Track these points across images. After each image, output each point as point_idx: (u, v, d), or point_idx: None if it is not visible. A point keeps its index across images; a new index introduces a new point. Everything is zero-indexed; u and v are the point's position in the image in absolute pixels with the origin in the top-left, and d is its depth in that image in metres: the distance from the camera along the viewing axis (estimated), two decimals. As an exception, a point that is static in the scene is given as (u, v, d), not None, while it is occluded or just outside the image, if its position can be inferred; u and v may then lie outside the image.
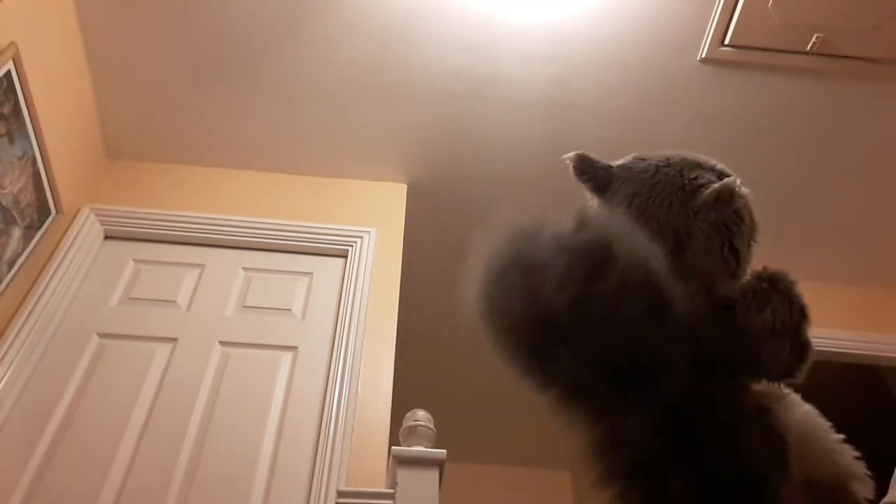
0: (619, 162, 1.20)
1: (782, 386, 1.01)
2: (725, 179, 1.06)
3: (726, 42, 2.52)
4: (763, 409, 0.95)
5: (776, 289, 0.98)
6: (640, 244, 0.92)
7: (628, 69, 2.62)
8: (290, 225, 2.76)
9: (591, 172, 1.22)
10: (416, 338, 3.32)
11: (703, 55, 2.57)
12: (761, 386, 1.00)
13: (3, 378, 2.13)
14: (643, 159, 1.17)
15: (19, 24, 2.19)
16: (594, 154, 1.25)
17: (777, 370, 0.98)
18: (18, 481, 2.00)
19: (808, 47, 2.51)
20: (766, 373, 0.99)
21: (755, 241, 1.12)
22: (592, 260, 0.88)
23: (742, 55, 2.55)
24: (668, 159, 1.14)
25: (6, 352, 2.17)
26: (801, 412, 0.99)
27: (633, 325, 0.87)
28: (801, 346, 0.97)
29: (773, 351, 0.97)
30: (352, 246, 2.73)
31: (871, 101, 2.67)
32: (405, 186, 2.98)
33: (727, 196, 1.04)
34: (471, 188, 3.00)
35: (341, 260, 2.71)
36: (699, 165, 1.12)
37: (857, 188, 2.93)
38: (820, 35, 2.47)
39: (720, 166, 1.13)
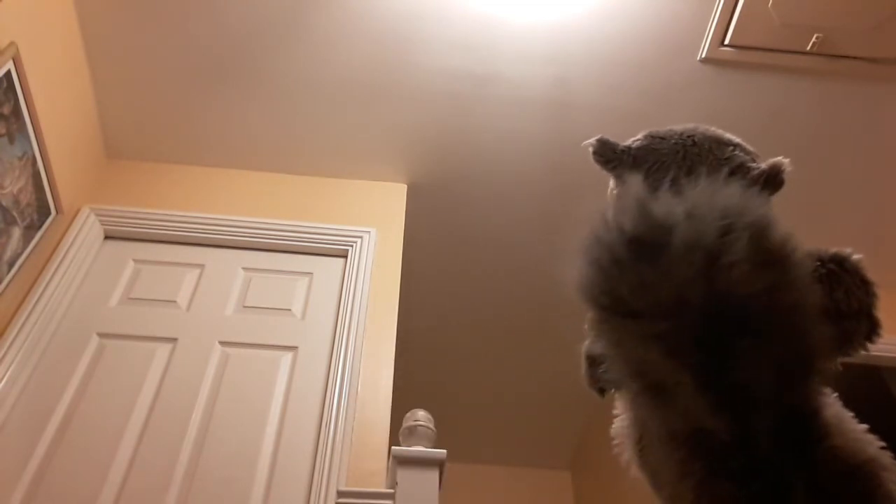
0: (636, 144, 1.14)
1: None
2: (773, 159, 1.00)
3: (726, 42, 2.52)
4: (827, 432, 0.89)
5: (844, 269, 0.94)
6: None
7: (628, 69, 2.63)
8: (290, 225, 2.76)
9: (613, 157, 1.13)
10: (416, 338, 3.32)
11: (703, 55, 2.57)
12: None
13: (3, 378, 2.13)
14: (662, 138, 1.11)
15: (19, 24, 2.19)
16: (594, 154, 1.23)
17: (843, 351, 0.94)
18: (18, 481, 2.00)
19: (808, 47, 2.51)
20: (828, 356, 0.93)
21: None
22: (769, 243, 0.80)
23: (742, 55, 2.56)
24: (690, 137, 1.08)
25: (6, 352, 2.17)
26: (835, 409, 0.94)
27: (813, 319, 0.80)
28: (872, 323, 0.94)
29: (846, 332, 0.93)
30: (352, 246, 2.73)
31: (871, 101, 2.67)
32: (405, 186, 2.98)
33: (776, 176, 0.99)
34: (471, 188, 3.00)
35: (341, 260, 2.72)
36: (723, 142, 1.07)
37: (856, 188, 2.93)
38: (820, 35, 2.47)
39: (738, 140, 1.09)
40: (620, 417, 1.06)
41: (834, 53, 2.53)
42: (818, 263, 0.96)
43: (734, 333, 0.80)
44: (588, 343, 1.09)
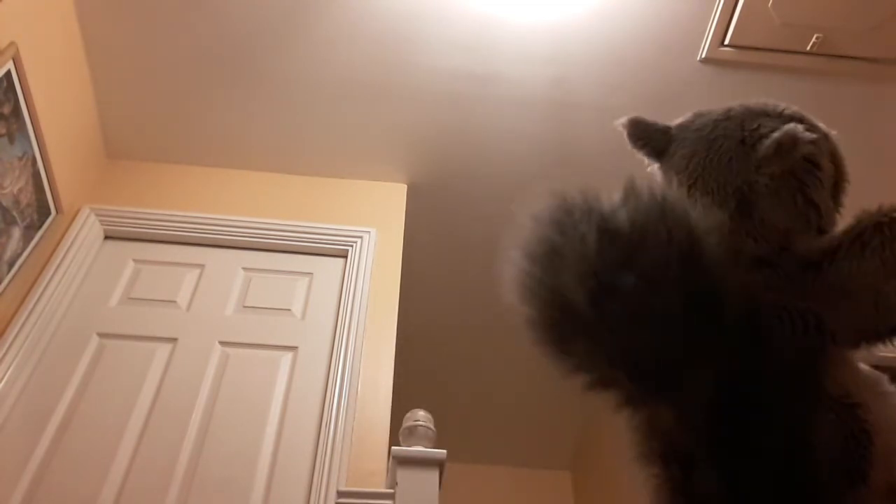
0: (678, 121, 1.12)
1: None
2: (786, 126, 0.94)
3: (726, 42, 2.52)
4: (852, 403, 0.83)
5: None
6: (689, 222, 0.81)
7: (628, 69, 2.63)
8: (290, 225, 2.75)
9: (645, 137, 1.12)
10: (416, 338, 3.32)
11: (703, 55, 2.57)
12: (862, 376, 0.89)
13: (3, 378, 2.13)
14: (703, 115, 1.09)
15: (19, 24, 2.19)
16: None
17: (889, 323, 0.87)
18: (18, 481, 2.00)
19: (808, 47, 2.51)
20: (871, 331, 0.87)
21: (844, 186, 1.02)
22: (624, 245, 0.80)
23: (742, 55, 2.55)
24: (728, 111, 1.05)
25: (6, 352, 2.17)
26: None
27: (663, 320, 0.79)
28: None
29: (886, 296, 0.85)
30: (352, 246, 2.73)
31: (871, 101, 2.67)
32: (405, 186, 2.98)
33: (789, 144, 0.93)
34: (471, 188, 3.00)
35: (341, 260, 2.71)
36: (764, 114, 1.02)
37: (856, 188, 2.92)
38: (820, 35, 2.47)
39: (790, 110, 1.03)
40: None
41: (834, 53, 2.53)
42: (877, 215, 0.91)
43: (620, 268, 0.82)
44: None
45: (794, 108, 1.04)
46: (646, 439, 0.91)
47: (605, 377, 0.87)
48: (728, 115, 1.04)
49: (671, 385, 0.83)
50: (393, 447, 1.98)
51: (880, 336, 0.88)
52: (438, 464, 1.92)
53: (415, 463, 1.92)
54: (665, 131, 1.11)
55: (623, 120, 1.12)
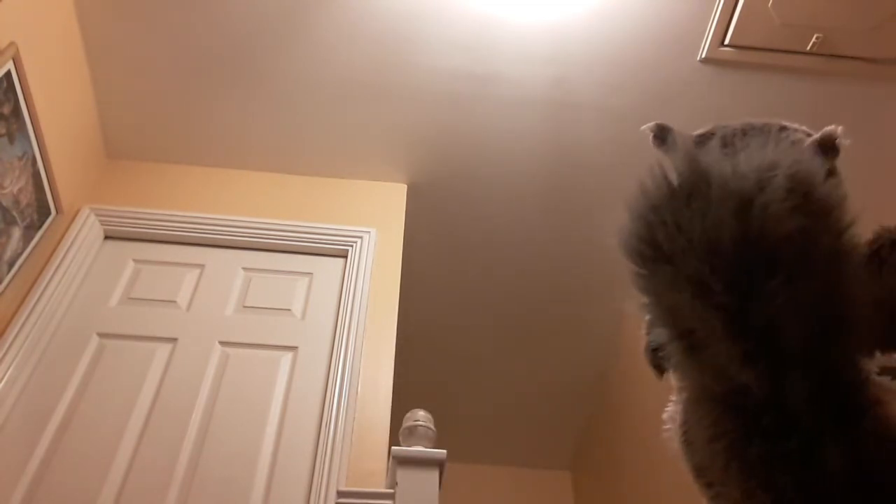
0: (701, 131, 1.16)
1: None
2: (826, 128, 0.97)
3: (726, 42, 2.52)
4: (877, 399, 0.86)
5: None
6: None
7: (628, 69, 2.63)
8: (290, 225, 2.76)
9: (674, 139, 1.14)
10: (416, 338, 3.32)
11: (703, 55, 2.57)
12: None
13: (3, 378, 2.13)
14: (726, 125, 1.10)
15: (19, 24, 2.19)
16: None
17: None
18: (18, 481, 2.00)
19: (808, 47, 2.51)
20: (883, 341, 0.90)
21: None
22: (808, 188, 0.79)
23: (742, 55, 2.55)
24: (750, 122, 1.08)
25: (6, 352, 2.17)
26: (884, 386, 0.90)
27: (851, 269, 0.79)
28: None
29: None
30: (352, 246, 2.73)
31: (871, 101, 2.67)
32: (405, 186, 2.98)
33: (830, 144, 0.96)
34: (471, 188, 3.00)
35: (341, 260, 2.71)
36: (784, 126, 1.06)
37: (856, 188, 2.92)
38: (820, 35, 2.47)
39: (805, 128, 1.07)
40: (672, 403, 1.03)
41: (834, 53, 2.53)
42: (892, 233, 0.93)
43: (765, 274, 0.79)
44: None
45: (806, 127, 1.08)
46: (751, 415, 0.85)
47: (759, 328, 0.81)
48: (752, 126, 1.06)
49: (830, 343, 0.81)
50: (393, 447, 1.98)
51: (894, 346, 0.92)
52: (438, 464, 1.92)
53: (415, 463, 1.92)
54: (689, 138, 1.12)
55: (650, 125, 1.14)
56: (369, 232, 2.77)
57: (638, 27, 2.52)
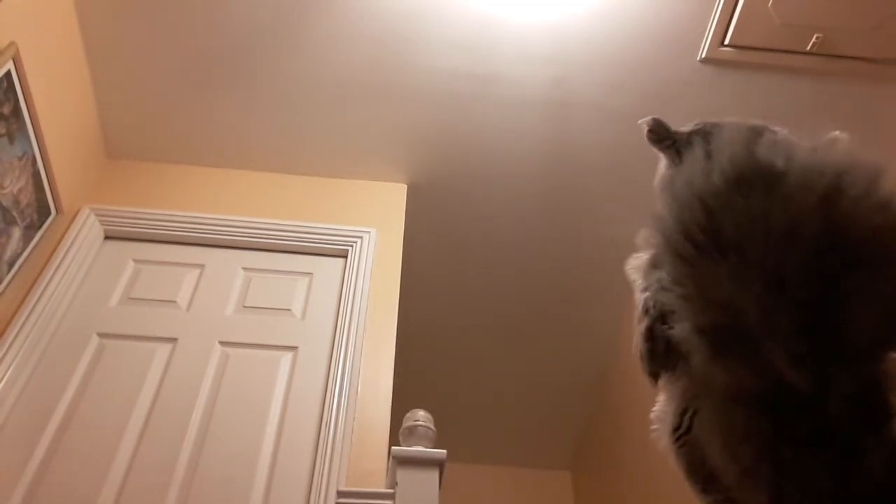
0: (690, 128, 1.12)
1: None
2: (831, 133, 0.98)
3: (726, 42, 2.52)
4: None
5: None
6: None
7: (628, 69, 2.63)
8: (290, 225, 2.75)
9: (669, 137, 1.11)
10: (416, 338, 3.32)
11: (703, 55, 2.57)
12: None
13: (3, 378, 2.13)
14: (714, 124, 1.09)
15: (19, 24, 2.19)
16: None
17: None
18: (18, 481, 2.00)
19: (808, 47, 2.51)
20: None
21: None
22: (883, 188, 0.79)
23: (742, 55, 2.55)
24: (744, 122, 1.06)
25: (6, 352, 2.17)
26: None
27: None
28: None
29: None
30: (352, 246, 2.73)
31: (871, 101, 2.67)
32: (405, 186, 2.98)
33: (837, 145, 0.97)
34: (471, 188, 3.00)
35: (341, 260, 2.71)
36: (773, 127, 1.05)
37: (857, 188, 2.93)
38: (820, 35, 2.47)
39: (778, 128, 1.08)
40: (662, 402, 1.01)
41: (834, 53, 2.53)
42: None
43: (848, 269, 0.77)
44: (646, 318, 1.02)
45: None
46: (786, 419, 0.82)
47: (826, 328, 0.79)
48: (748, 125, 1.04)
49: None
50: (393, 447, 1.98)
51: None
52: (438, 464, 1.92)
53: (415, 463, 1.92)
54: (683, 133, 1.11)
55: (647, 119, 1.12)
56: (369, 232, 2.77)
57: (638, 27, 2.52)
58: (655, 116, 1.13)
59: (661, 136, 1.12)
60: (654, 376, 1.02)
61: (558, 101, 2.72)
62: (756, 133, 0.99)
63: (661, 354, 0.97)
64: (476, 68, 2.64)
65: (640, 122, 1.14)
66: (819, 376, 0.78)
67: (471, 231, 3.16)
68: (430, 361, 3.65)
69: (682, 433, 0.94)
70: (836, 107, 2.69)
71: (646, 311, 1.02)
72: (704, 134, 1.09)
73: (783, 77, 2.61)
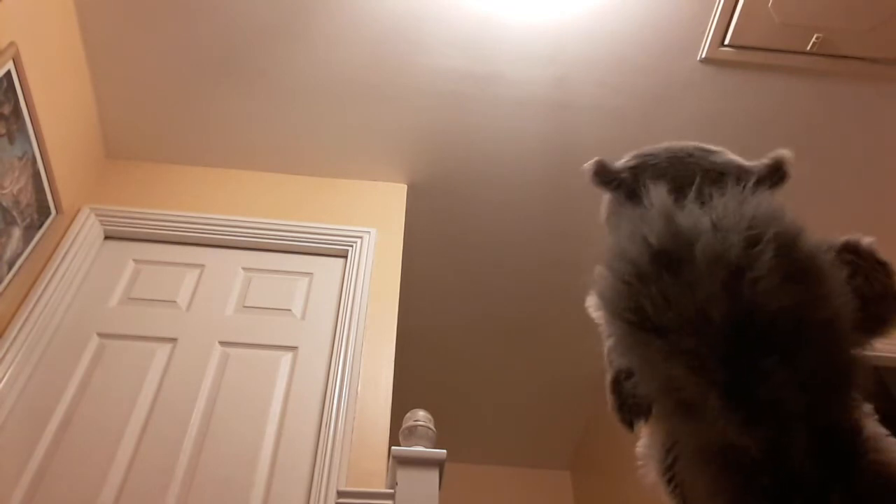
0: (630, 164, 1.13)
1: None
2: (776, 152, 1.00)
3: (726, 42, 2.52)
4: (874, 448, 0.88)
5: (859, 255, 0.94)
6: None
7: (628, 69, 2.63)
8: (290, 225, 2.75)
9: (617, 178, 1.11)
10: (416, 337, 3.32)
11: (703, 55, 2.57)
12: None
13: (3, 378, 2.13)
14: (652, 154, 1.10)
15: (19, 24, 2.19)
16: (594, 154, 1.21)
17: (876, 334, 0.94)
18: (18, 481, 2.00)
19: (808, 47, 2.51)
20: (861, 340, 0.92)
21: None
22: (796, 255, 0.79)
23: (742, 55, 2.55)
24: (680, 149, 1.07)
25: (6, 352, 2.17)
26: (872, 424, 0.93)
27: (848, 333, 0.79)
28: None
29: (875, 316, 0.92)
30: (352, 246, 2.73)
31: (871, 101, 2.67)
32: (405, 186, 2.98)
33: (780, 168, 0.99)
34: (471, 188, 3.00)
35: (341, 260, 2.71)
36: (711, 150, 1.07)
37: (856, 188, 2.93)
38: (820, 35, 2.47)
39: (721, 148, 1.10)
40: (645, 438, 1.03)
41: (834, 53, 2.53)
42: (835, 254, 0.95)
43: (761, 351, 0.77)
44: (611, 369, 1.05)
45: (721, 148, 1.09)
46: (750, 474, 0.83)
47: (767, 395, 0.80)
48: (687, 152, 1.06)
49: (827, 400, 0.81)
50: (393, 447, 1.97)
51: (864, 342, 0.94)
52: (438, 464, 1.92)
53: (415, 463, 1.92)
54: (625, 171, 1.11)
55: (589, 163, 1.13)
56: (369, 232, 2.77)
57: (638, 27, 2.52)
58: (598, 158, 1.14)
59: (606, 177, 1.12)
60: (629, 424, 1.04)
61: (558, 102, 2.72)
62: (676, 195, 0.98)
63: (631, 406, 0.99)
64: (476, 68, 2.64)
65: (583, 166, 1.15)
66: (772, 439, 0.79)
67: (471, 231, 3.16)
68: (430, 361, 3.65)
69: (670, 473, 0.95)
70: (836, 107, 2.69)
71: (609, 363, 1.05)
72: (642, 169, 1.08)
73: (783, 77, 2.61)
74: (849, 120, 2.72)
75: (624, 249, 0.88)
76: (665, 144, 1.11)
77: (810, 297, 0.80)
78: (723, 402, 0.79)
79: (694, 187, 0.98)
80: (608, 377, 1.05)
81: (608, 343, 1.03)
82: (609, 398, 1.06)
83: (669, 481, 0.96)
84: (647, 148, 1.13)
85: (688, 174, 1.02)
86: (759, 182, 0.99)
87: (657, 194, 0.96)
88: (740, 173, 1.02)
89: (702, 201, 0.90)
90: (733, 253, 0.81)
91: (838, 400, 0.82)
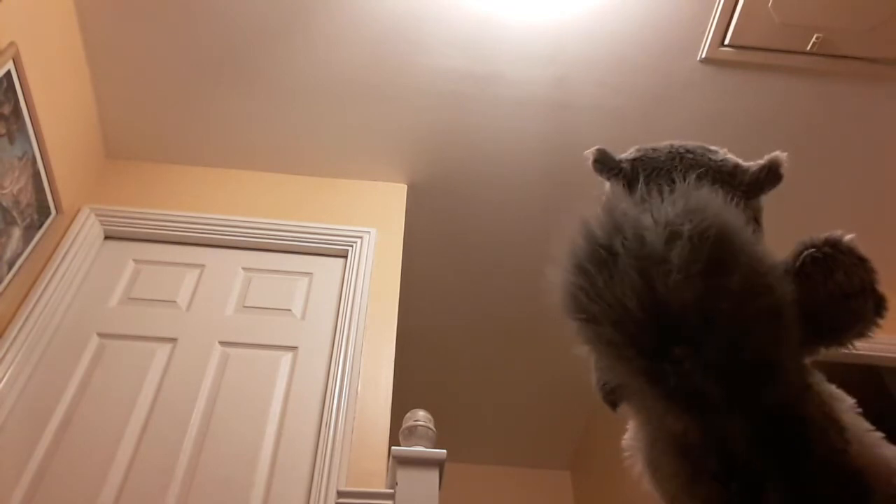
0: (631, 156, 1.16)
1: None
2: (772, 154, 1.04)
3: (726, 42, 2.52)
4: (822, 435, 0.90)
5: (839, 250, 0.96)
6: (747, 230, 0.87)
7: (628, 69, 2.63)
8: (290, 225, 2.76)
9: (614, 167, 1.15)
10: (416, 338, 3.32)
11: (703, 55, 2.57)
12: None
13: (3, 378, 2.13)
14: (654, 149, 1.13)
15: (19, 24, 2.19)
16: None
17: (857, 330, 0.96)
18: (18, 481, 2.00)
19: (808, 47, 2.51)
20: (838, 337, 0.96)
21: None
22: (712, 249, 0.83)
23: (742, 55, 2.55)
24: (681, 146, 1.11)
25: (6, 352, 2.17)
26: (829, 386, 0.96)
27: (758, 324, 0.82)
28: (877, 298, 0.96)
29: (855, 311, 0.94)
30: (352, 246, 2.73)
31: (871, 101, 2.67)
32: (405, 186, 2.98)
33: (775, 170, 1.02)
34: (471, 188, 3.01)
35: (341, 260, 2.71)
36: (712, 149, 1.10)
37: (856, 188, 2.93)
38: (820, 35, 2.47)
39: (723, 150, 1.13)
40: (631, 430, 1.06)
41: (834, 53, 2.53)
42: (813, 249, 0.97)
43: (671, 341, 0.81)
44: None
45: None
46: (700, 453, 0.88)
47: (687, 385, 0.83)
48: (686, 149, 1.10)
49: (757, 389, 0.83)
50: (393, 447, 1.97)
51: (845, 340, 0.98)
52: (438, 464, 1.92)
53: (415, 463, 1.92)
54: (625, 162, 1.16)
55: (592, 150, 1.17)
56: (369, 232, 2.77)
57: (638, 27, 2.52)
58: (600, 146, 1.18)
59: (606, 165, 1.16)
60: (612, 404, 1.10)
61: (558, 102, 2.72)
62: (635, 163, 1.05)
63: (610, 388, 1.05)
64: (476, 68, 2.64)
65: (585, 152, 1.18)
66: (705, 424, 0.83)
67: (471, 231, 3.16)
68: (430, 361, 3.65)
69: (653, 464, 0.99)
70: (836, 107, 2.69)
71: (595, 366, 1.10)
72: (642, 161, 1.12)
73: (783, 77, 2.61)
74: (849, 120, 2.72)
75: (573, 242, 0.93)
76: (665, 143, 1.14)
77: (721, 289, 0.82)
78: (650, 389, 0.84)
79: (641, 183, 1.03)
80: (592, 360, 1.11)
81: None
82: (593, 378, 1.12)
83: (653, 473, 0.99)
84: (649, 145, 1.16)
85: (681, 170, 1.05)
86: (752, 183, 1.02)
87: (612, 190, 1.00)
88: (735, 171, 1.04)
89: (648, 196, 0.93)
90: (654, 248, 0.84)
91: (767, 390, 0.84)
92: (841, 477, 0.83)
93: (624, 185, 1.11)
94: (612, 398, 1.08)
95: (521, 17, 2.51)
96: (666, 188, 0.95)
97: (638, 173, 1.10)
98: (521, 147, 2.86)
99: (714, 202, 0.89)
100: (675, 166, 1.07)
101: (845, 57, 2.54)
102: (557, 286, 0.93)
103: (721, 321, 0.81)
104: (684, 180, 1.00)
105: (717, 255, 0.83)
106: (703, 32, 2.53)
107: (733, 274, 0.83)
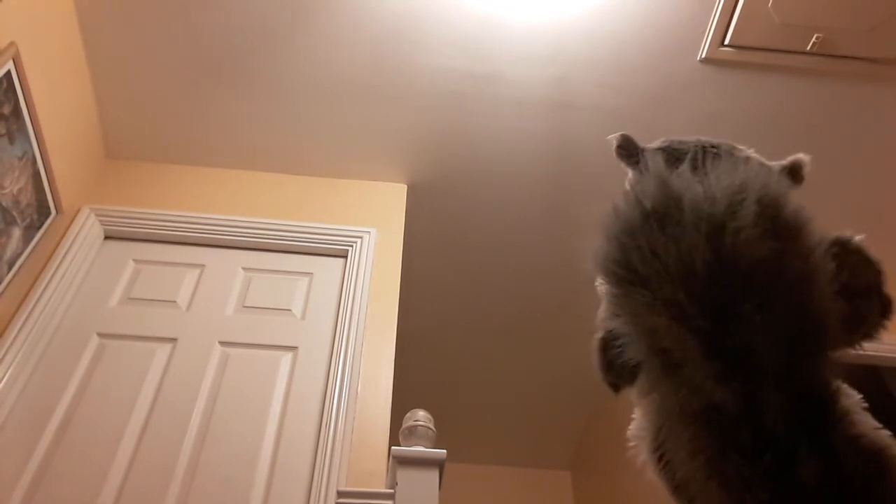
0: (657, 146, 1.16)
1: None
2: (795, 155, 1.06)
3: (726, 42, 2.52)
4: (847, 410, 0.91)
5: (848, 250, 0.97)
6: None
7: (628, 69, 2.63)
8: (290, 225, 2.76)
9: (637, 153, 1.15)
10: (416, 338, 3.32)
11: (703, 55, 2.57)
12: None
13: (3, 378, 2.13)
14: (681, 141, 1.14)
15: (19, 24, 2.19)
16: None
17: (863, 331, 0.97)
18: (18, 481, 2.00)
19: (808, 47, 2.51)
20: (847, 338, 0.96)
21: None
22: (781, 212, 0.84)
23: (742, 55, 2.55)
24: (707, 141, 1.12)
25: (6, 352, 2.17)
26: (854, 401, 0.95)
27: (823, 287, 0.83)
28: (883, 300, 0.96)
29: (860, 312, 0.95)
30: (352, 246, 2.73)
31: (871, 101, 2.67)
32: (405, 186, 2.98)
33: (798, 170, 1.04)
34: (471, 188, 3.00)
35: (341, 260, 2.71)
36: (738, 147, 1.11)
37: (856, 188, 2.93)
38: (820, 35, 2.47)
39: (749, 149, 1.13)
40: (637, 420, 1.05)
41: (834, 53, 2.53)
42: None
43: (738, 299, 0.82)
44: (601, 331, 1.08)
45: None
46: (728, 431, 0.86)
47: (745, 346, 0.83)
48: (712, 144, 1.10)
49: (806, 355, 0.84)
50: (393, 447, 1.98)
51: (853, 342, 0.98)
52: (438, 464, 1.92)
53: (415, 463, 1.92)
54: (655, 150, 1.16)
55: (615, 135, 1.17)
56: (369, 232, 2.77)
57: (638, 27, 2.52)
58: (624, 132, 1.18)
59: (629, 151, 1.17)
60: (614, 387, 1.09)
61: (558, 102, 2.72)
62: (663, 153, 1.06)
63: (617, 367, 1.02)
64: (476, 68, 2.64)
65: (608, 137, 1.19)
66: (745, 393, 0.83)
67: (471, 231, 3.16)
68: (430, 361, 3.65)
69: (660, 449, 0.98)
70: (836, 107, 2.69)
71: (601, 326, 1.08)
72: (668, 152, 1.14)
73: (783, 77, 2.61)
74: (849, 120, 2.72)
75: (618, 209, 0.92)
76: (696, 136, 1.15)
77: (786, 250, 0.83)
78: (701, 350, 0.84)
79: (688, 156, 1.03)
80: (597, 337, 1.09)
81: (603, 311, 1.06)
82: (596, 358, 1.09)
83: (660, 459, 0.98)
84: (674, 138, 1.18)
85: (707, 160, 1.06)
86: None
87: (654, 162, 1.00)
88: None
89: (696, 170, 0.93)
90: (718, 209, 0.85)
91: (811, 362, 0.85)
92: (864, 453, 0.83)
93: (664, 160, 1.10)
94: (618, 379, 1.06)
95: (521, 17, 2.51)
96: (714, 163, 0.96)
97: (659, 158, 1.10)
98: (521, 147, 2.86)
99: (772, 173, 0.91)
100: (700, 156, 1.07)
101: (845, 57, 2.54)
102: (598, 253, 0.92)
103: (792, 281, 0.82)
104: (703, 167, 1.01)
105: (786, 218, 0.85)
106: (703, 32, 2.53)
107: (799, 239, 0.84)
